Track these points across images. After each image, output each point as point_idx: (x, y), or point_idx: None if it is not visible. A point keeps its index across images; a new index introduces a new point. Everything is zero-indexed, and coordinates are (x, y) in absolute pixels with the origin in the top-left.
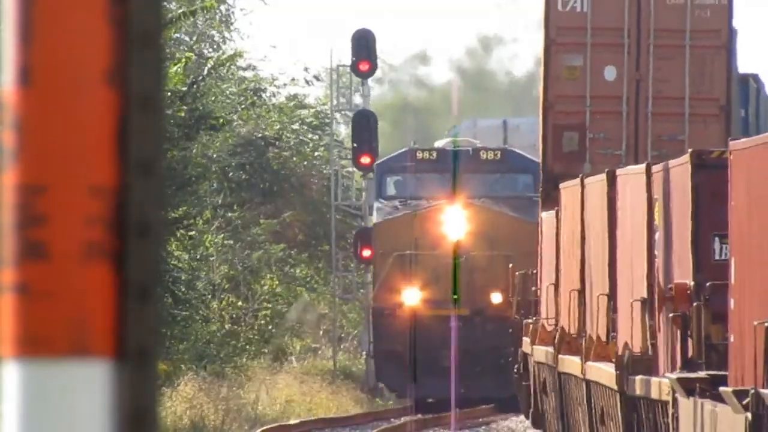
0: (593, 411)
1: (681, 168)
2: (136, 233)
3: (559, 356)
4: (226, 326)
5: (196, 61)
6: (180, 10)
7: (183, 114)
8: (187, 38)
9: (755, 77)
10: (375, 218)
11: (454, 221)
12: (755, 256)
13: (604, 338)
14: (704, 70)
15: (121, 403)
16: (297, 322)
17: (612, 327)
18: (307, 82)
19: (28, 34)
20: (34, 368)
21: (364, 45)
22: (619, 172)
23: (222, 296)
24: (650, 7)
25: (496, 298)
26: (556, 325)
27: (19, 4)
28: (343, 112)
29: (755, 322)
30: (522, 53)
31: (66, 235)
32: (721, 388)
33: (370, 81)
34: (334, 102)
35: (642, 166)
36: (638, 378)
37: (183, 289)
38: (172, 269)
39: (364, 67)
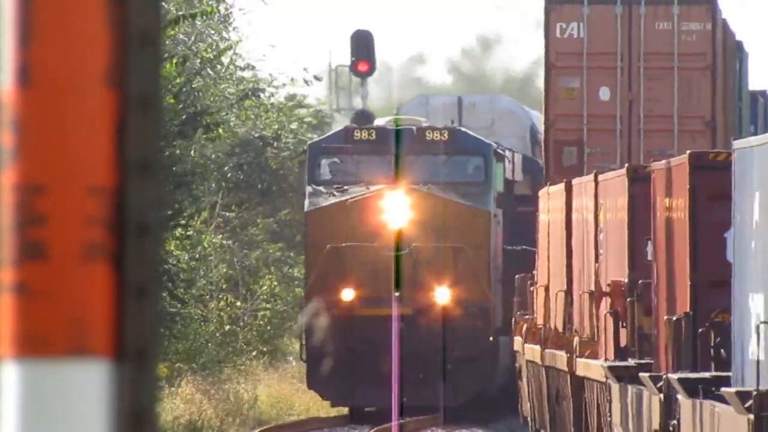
0: (551, 393)
1: (620, 179)
2: (135, 233)
3: (526, 345)
4: (225, 326)
5: (192, 60)
6: (180, 13)
7: (176, 109)
8: (185, 38)
9: (763, 93)
10: (307, 206)
11: (396, 209)
12: (671, 262)
13: (561, 329)
14: (691, 89)
15: (120, 404)
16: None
17: (569, 320)
18: (306, 82)
19: (27, 34)
20: (34, 368)
21: (363, 45)
22: (574, 181)
23: (220, 296)
24: (640, 33)
25: (443, 295)
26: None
27: (19, 4)
28: (342, 112)
29: (665, 317)
30: (519, 53)
31: (65, 235)
32: (641, 374)
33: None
34: (333, 104)
35: (591, 176)
36: (584, 361)
37: (181, 289)
38: (170, 269)
39: (363, 67)
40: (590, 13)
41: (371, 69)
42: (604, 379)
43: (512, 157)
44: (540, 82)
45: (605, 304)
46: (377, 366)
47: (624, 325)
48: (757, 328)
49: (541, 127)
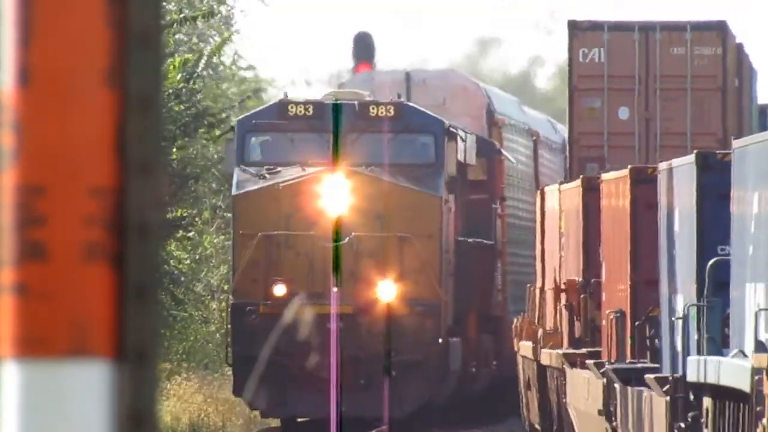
0: (524, 380)
1: (576, 189)
2: (136, 233)
3: (515, 339)
4: (226, 326)
5: (193, 58)
6: (181, 15)
7: (179, 109)
8: (186, 38)
9: None
10: (234, 189)
11: (335, 193)
12: (615, 263)
13: (535, 322)
14: (703, 109)
15: (120, 404)
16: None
17: (541, 314)
18: (307, 83)
19: (27, 35)
20: (34, 369)
21: (364, 48)
22: (546, 188)
23: (221, 297)
24: (656, 57)
25: (388, 290)
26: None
27: (19, 4)
28: None
29: (608, 312)
30: (517, 52)
31: (65, 236)
32: (587, 361)
33: None
34: None
35: (556, 186)
36: (546, 350)
37: (181, 290)
38: (171, 270)
39: (363, 69)
40: (610, 39)
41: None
42: (561, 366)
43: (465, 138)
44: (537, 82)
45: (563, 299)
46: (312, 371)
47: (578, 318)
48: (673, 323)
49: (498, 105)
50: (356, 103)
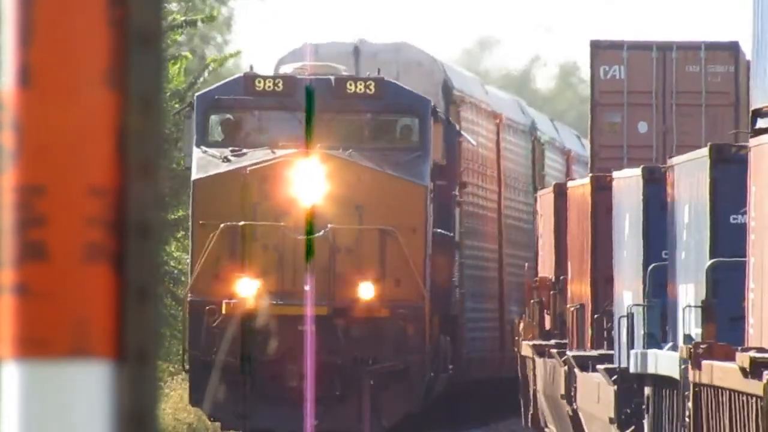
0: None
1: (550, 194)
2: (136, 234)
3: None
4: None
5: (197, 62)
6: (182, 18)
7: (180, 108)
8: (186, 38)
9: None
10: (194, 173)
11: (308, 180)
12: (579, 261)
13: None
14: (716, 123)
15: (120, 404)
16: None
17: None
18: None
19: (28, 35)
20: (34, 369)
21: None
22: (537, 193)
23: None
24: (673, 74)
25: (367, 290)
26: None
27: (19, 4)
28: None
29: (569, 306)
30: (516, 51)
31: (66, 236)
32: (552, 350)
33: None
34: None
35: (540, 191)
36: (524, 342)
37: (182, 290)
38: (171, 270)
39: None
40: (629, 57)
41: None
42: (532, 356)
43: (451, 121)
44: (537, 82)
45: (536, 295)
46: (281, 379)
47: (548, 312)
48: (619, 320)
49: (456, 82)
50: (332, 78)
